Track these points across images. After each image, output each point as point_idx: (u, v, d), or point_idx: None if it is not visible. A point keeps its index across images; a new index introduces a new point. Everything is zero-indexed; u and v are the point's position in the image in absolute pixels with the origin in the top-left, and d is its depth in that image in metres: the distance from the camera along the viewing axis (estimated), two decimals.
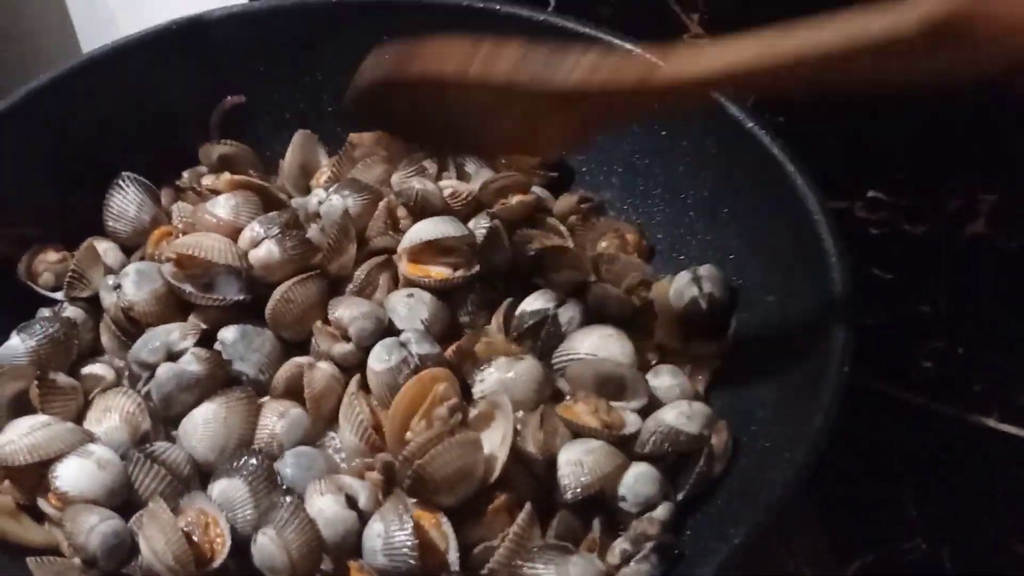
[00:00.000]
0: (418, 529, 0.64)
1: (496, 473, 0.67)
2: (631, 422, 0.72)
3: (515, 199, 0.85)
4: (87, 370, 0.77)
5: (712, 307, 0.78)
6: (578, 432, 0.71)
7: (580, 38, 0.84)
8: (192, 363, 0.73)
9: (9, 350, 0.75)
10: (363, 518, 0.67)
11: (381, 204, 0.83)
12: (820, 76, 0.58)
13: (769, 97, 0.85)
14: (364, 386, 0.73)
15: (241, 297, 0.77)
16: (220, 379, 0.74)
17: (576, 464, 0.69)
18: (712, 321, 0.78)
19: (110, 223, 0.84)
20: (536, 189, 0.87)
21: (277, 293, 0.76)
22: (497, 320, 0.78)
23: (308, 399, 0.73)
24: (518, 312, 0.78)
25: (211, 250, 0.76)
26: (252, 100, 0.92)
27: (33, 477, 0.69)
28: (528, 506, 0.67)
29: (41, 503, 0.69)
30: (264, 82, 0.92)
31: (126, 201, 0.84)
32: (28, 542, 0.69)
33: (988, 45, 0.53)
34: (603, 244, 0.85)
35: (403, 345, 0.73)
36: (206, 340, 0.76)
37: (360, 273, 0.79)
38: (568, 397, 0.74)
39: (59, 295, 0.80)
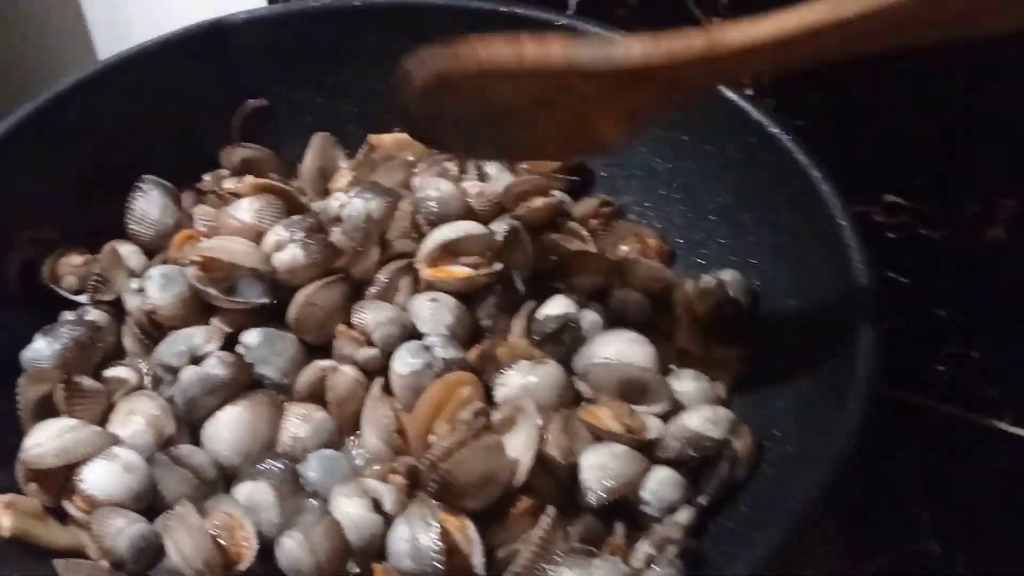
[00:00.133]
0: (443, 533, 0.64)
1: (521, 477, 0.68)
2: (654, 427, 0.72)
3: (536, 202, 0.85)
4: (110, 373, 0.77)
5: (735, 312, 0.78)
6: (601, 437, 0.72)
7: None
8: (216, 366, 0.73)
9: (34, 353, 0.75)
10: (388, 521, 0.67)
11: (402, 206, 0.83)
12: (892, 34, 0.55)
13: (787, 99, 0.85)
14: (386, 390, 0.74)
15: (265, 300, 0.77)
16: (244, 382, 0.74)
17: (599, 468, 0.70)
18: (734, 326, 0.79)
19: (132, 226, 0.84)
20: (556, 193, 0.88)
21: (300, 297, 0.77)
22: (519, 324, 0.78)
23: (331, 402, 0.73)
24: (540, 316, 0.78)
25: (236, 254, 0.76)
26: (273, 103, 0.92)
27: (59, 480, 0.69)
28: (552, 510, 0.67)
29: (67, 506, 0.69)
30: (285, 85, 0.92)
31: (148, 204, 0.84)
32: (54, 544, 0.69)
33: None
34: (623, 248, 0.85)
35: (427, 349, 0.73)
36: (229, 344, 0.76)
37: (382, 277, 0.79)
38: (590, 402, 0.75)
39: (82, 298, 0.80)
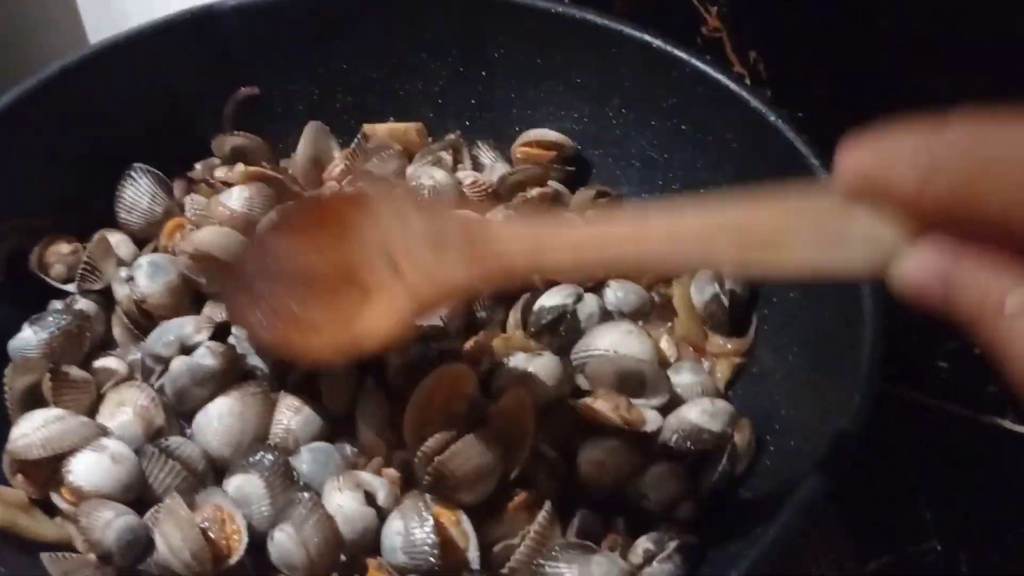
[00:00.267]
0: (438, 527, 0.64)
1: (516, 470, 0.67)
2: (652, 420, 0.71)
3: (532, 192, 0.84)
4: (99, 363, 0.76)
5: (734, 303, 0.77)
6: (598, 429, 0.70)
7: (599, 31, 0.84)
8: (207, 357, 0.72)
9: (21, 342, 0.74)
10: (381, 515, 0.66)
11: None
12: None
13: (788, 90, 0.85)
14: (381, 382, 0.72)
15: None
16: (235, 373, 0.73)
17: (597, 462, 0.69)
18: (733, 318, 0.78)
19: (122, 215, 0.83)
20: (552, 183, 0.87)
21: None
22: (515, 315, 0.77)
23: (325, 392, 0.72)
24: (536, 307, 0.77)
25: (227, 251, 0.75)
26: (265, 92, 0.91)
27: (46, 471, 0.68)
28: (548, 504, 0.66)
29: (54, 498, 0.68)
30: (277, 74, 0.91)
31: (138, 193, 0.83)
32: (41, 537, 0.68)
33: None
34: None
35: (423, 340, 0.72)
36: (221, 334, 0.75)
37: None
38: (587, 394, 0.73)
39: (71, 287, 0.79)
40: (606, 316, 0.78)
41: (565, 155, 0.88)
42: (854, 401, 0.62)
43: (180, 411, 0.73)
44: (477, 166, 0.90)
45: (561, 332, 0.76)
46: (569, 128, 0.88)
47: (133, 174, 0.84)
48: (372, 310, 0.62)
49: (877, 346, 0.64)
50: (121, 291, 0.77)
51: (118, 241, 0.82)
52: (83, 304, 0.78)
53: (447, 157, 0.88)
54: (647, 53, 0.82)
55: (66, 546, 0.68)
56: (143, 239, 0.83)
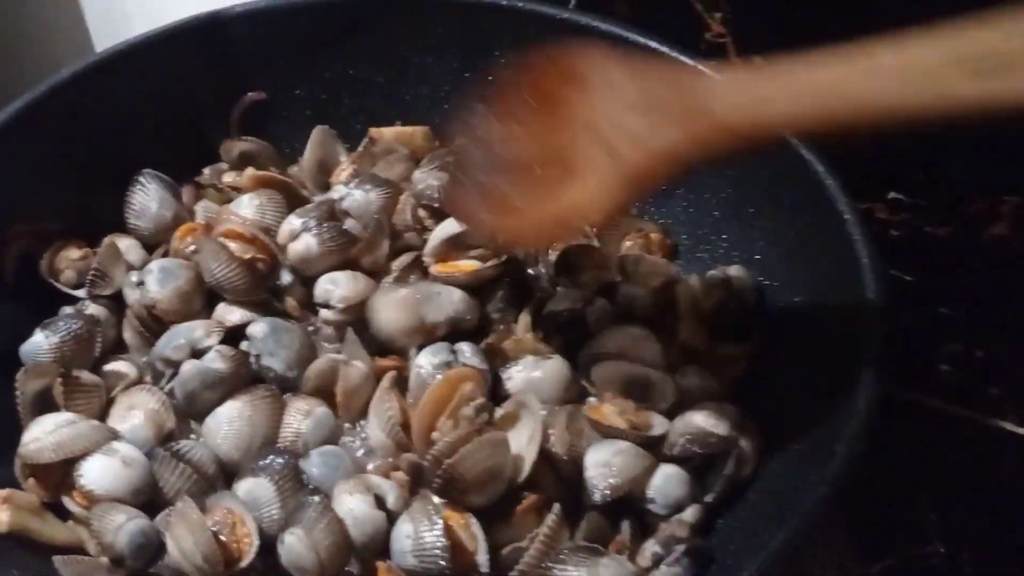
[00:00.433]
0: (447, 530, 0.64)
1: (525, 473, 0.67)
2: (659, 423, 0.72)
3: None
4: (110, 367, 0.77)
5: (740, 308, 0.78)
6: (605, 433, 0.71)
7: (603, 35, 0.84)
8: (216, 360, 0.73)
9: (33, 347, 0.74)
10: (391, 518, 0.66)
11: (403, 198, 0.83)
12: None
13: None
14: (396, 385, 0.73)
15: None
16: (244, 377, 0.74)
17: (604, 465, 0.69)
18: (739, 322, 0.78)
19: (132, 220, 0.84)
20: None
21: None
22: (525, 318, 0.77)
23: (341, 392, 0.73)
24: (546, 311, 0.77)
25: None
26: (272, 97, 0.91)
27: (58, 475, 0.69)
28: (557, 507, 0.66)
29: (66, 501, 0.69)
30: (284, 78, 0.91)
31: (147, 198, 0.84)
32: (53, 540, 0.68)
33: None
34: (627, 243, 0.85)
35: (452, 351, 0.73)
36: (232, 339, 0.75)
37: (395, 269, 0.80)
38: (595, 397, 0.74)
39: (81, 293, 0.80)
40: (615, 320, 0.78)
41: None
42: (858, 404, 0.63)
43: (190, 415, 0.73)
44: None
45: (570, 336, 0.76)
46: None
47: (142, 180, 0.84)
48: (581, 186, 0.60)
49: (880, 350, 0.65)
50: (132, 295, 0.78)
51: (127, 246, 0.82)
52: (93, 309, 0.78)
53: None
54: (651, 58, 0.82)
55: (78, 549, 0.68)
56: (152, 244, 0.84)
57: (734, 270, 0.79)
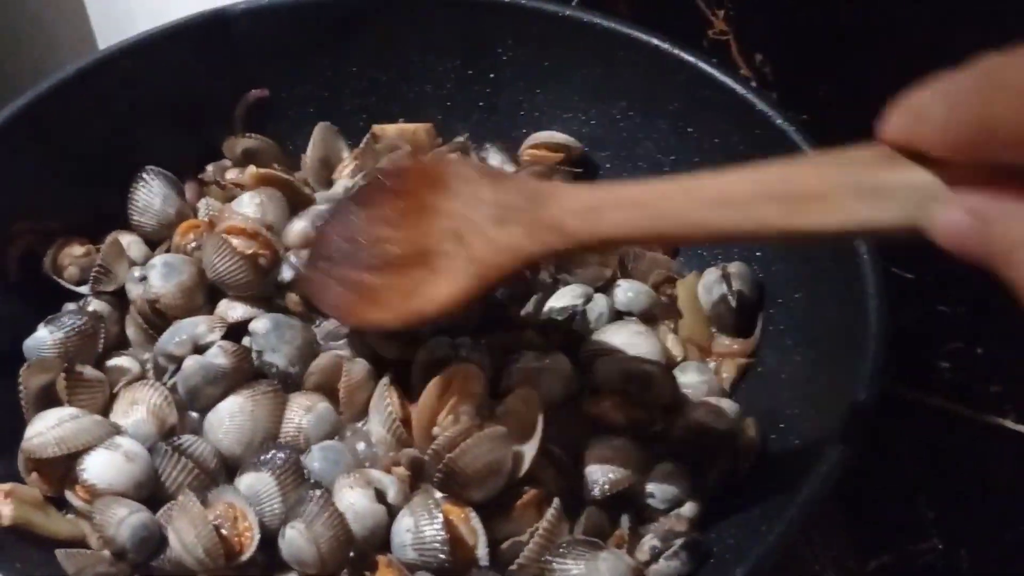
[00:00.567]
0: (447, 524, 0.64)
1: (525, 468, 0.67)
2: (658, 420, 0.72)
3: None
4: (112, 363, 0.77)
5: (741, 304, 0.78)
6: (606, 428, 0.71)
7: (606, 33, 0.84)
8: (219, 356, 0.73)
9: (36, 342, 0.75)
10: (391, 512, 0.67)
11: None
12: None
13: (792, 92, 0.85)
14: (395, 381, 0.73)
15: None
16: (246, 372, 0.74)
17: (604, 461, 0.69)
18: (739, 318, 0.78)
19: (135, 217, 0.84)
20: None
21: None
22: (526, 314, 0.78)
23: (344, 388, 0.73)
24: (546, 307, 0.78)
25: None
26: (275, 94, 0.92)
27: (60, 469, 0.69)
28: (556, 502, 0.66)
29: (68, 495, 0.69)
30: (287, 75, 0.91)
31: (151, 195, 0.84)
32: (55, 534, 0.69)
33: None
34: None
35: (455, 347, 0.73)
36: (235, 334, 0.76)
37: None
38: (595, 393, 0.74)
39: (84, 289, 0.80)
40: (615, 316, 0.78)
41: (572, 157, 0.89)
42: (857, 401, 0.63)
43: (193, 410, 0.73)
44: None
45: (571, 332, 0.76)
46: (576, 130, 0.89)
47: (145, 176, 0.84)
48: (436, 280, 0.64)
49: (880, 346, 0.65)
50: (135, 291, 0.78)
51: (130, 243, 0.82)
52: (97, 305, 0.79)
53: (455, 158, 0.88)
54: (653, 56, 0.82)
55: (80, 543, 0.69)
56: (156, 241, 0.84)
57: (734, 266, 0.79)
